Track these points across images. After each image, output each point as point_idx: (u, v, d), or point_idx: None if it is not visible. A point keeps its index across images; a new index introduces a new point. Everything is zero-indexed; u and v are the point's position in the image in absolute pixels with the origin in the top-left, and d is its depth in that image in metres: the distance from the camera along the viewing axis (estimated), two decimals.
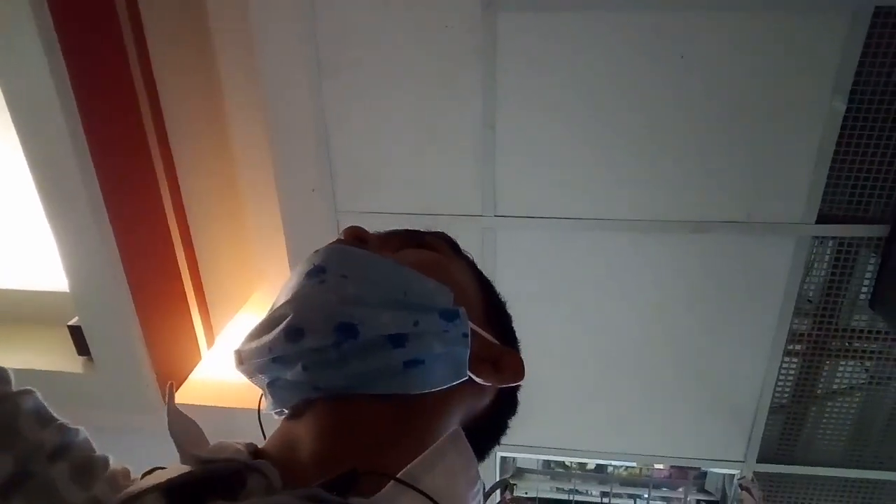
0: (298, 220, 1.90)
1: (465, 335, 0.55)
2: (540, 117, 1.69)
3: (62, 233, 1.62)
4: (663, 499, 2.70)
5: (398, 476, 0.44)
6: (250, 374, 0.56)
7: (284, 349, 0.52)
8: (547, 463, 2.70)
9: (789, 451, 2.17)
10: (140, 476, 0.51)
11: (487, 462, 2.22)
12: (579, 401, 2.06)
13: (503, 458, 2.32)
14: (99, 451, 0.53)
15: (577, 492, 2.64)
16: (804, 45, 1.55)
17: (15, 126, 1.51)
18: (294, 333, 0.51)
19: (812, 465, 2.15)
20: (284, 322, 0.52)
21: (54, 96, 1.44)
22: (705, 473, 2.43)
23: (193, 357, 2.09)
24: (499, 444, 0.68)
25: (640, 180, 1.74)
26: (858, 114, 1.62)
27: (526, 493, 2.49)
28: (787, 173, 1.68)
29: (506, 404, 0.66)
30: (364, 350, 0.51)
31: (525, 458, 2.54)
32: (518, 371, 0.60)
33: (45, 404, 0.51)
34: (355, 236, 0.62)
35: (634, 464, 2.57)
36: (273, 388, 0.55)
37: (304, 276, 0.56)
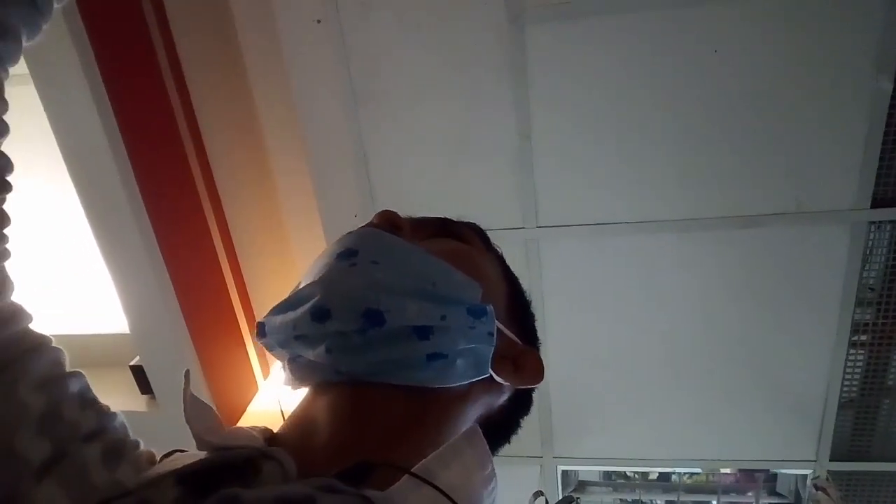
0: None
1: (491, 333, 0.54)
2: (575, 124, 1.69)
3: (119, 276, 1.67)
4: None
5: (413, 470, 0.44)
6: (271, 347, 0.56)
7: (309, 328, 0.51)
8: (608, 474, 2.65)
9: (864, 448, 2.08)
10: (159, 459, 0.52)
11: (549, 477, 2.19)
12: (637, 408, 2.02)
13: (564, 472, 2.28)
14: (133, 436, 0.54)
15: (642, 502, 2.57)
16: (842, 23, 1.51)
17: (70, 176, 1.58)
18: (320, 314, 0.51)
19: (890, 461, 2.06)
20: (311, 302, 0.52)
21: (106, 147, 1.50)
22: (775, 476, 2.35)
23: (251, 387, 2.12)
24: (509, 442, 0.66)
25: (682, 179, 1.71)
26: None
27: None
28: (835, 159, 1.63)
29: (521, 404, 0.65)
30: (389, 339, 0.51)
31: (587, 471, 2.50)
32: (537, 372, 0.59)
33: (89, 385, 0.52)
34: (389, 221, 0.61)
35: (699, 469, 2.51)
36: (294, 364, 0.55)
37: (334, 257, 0.55)
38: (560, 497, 2.19)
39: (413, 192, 1.83)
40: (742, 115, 1.62)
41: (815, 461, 2.02)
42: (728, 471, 2.55)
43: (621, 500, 2.76)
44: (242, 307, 2.07)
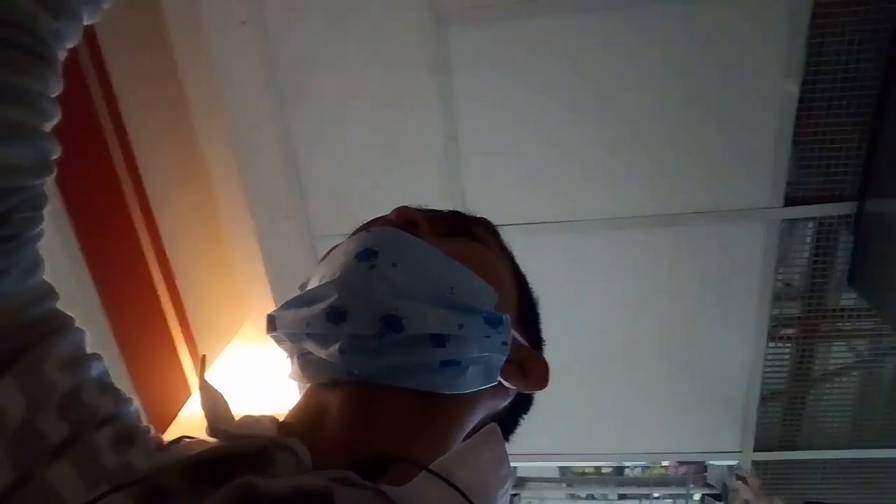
0: (276, 248, 1.92)
1: (506, 343, 0.54)
2: (502, 124, 1.71)
3: None
4: (671, 496, 2.68)
5: (431, 467, 0.44)
6: (280, 341, 0.56)
7: (323, 328, 0.51)
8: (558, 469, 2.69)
9: (792, 438, 2.15)
10: (167, 444, 0.51)
11: None
12: (577, 405, 2.05)
13: None
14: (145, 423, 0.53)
15: (577, 497, 2.62)
16: (752, 30, 1.57)
17: None
18: (336, 315, 0.51)
19: (817, 450, 2.13)
20: (327, 301, 0.51)
21: None
22: (706, 467, 2.41)
23: (182, 394, 2.09)
24: (507, 441, 0.68)
25: (609, 178, 1.75)
26: (814, 94, 1.64)
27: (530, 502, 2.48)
28: (749, 159, 1.69)
29: (522, 405, 0.65)
30: (405, 345, 0.50)
31: (526, 467, 2.53)
32: (543, 377, 0.59)
33: (107, 369, 0.51)
34: (407, 219, 0.61)
35: (643, 463, 2.56)
36: (303, 360, 0.54)
37: (353, 256, 0.54)
38: None
39: (344, 192, 1.83)
40: (662, 115, 1.67)
41: (739, 452, 2.08)
42: (667, 463, 2.61)
43: (571, 495, 2.81)
44: (174, 310, 2.03)
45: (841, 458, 2.15)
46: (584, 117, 1.68)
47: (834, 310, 1.97)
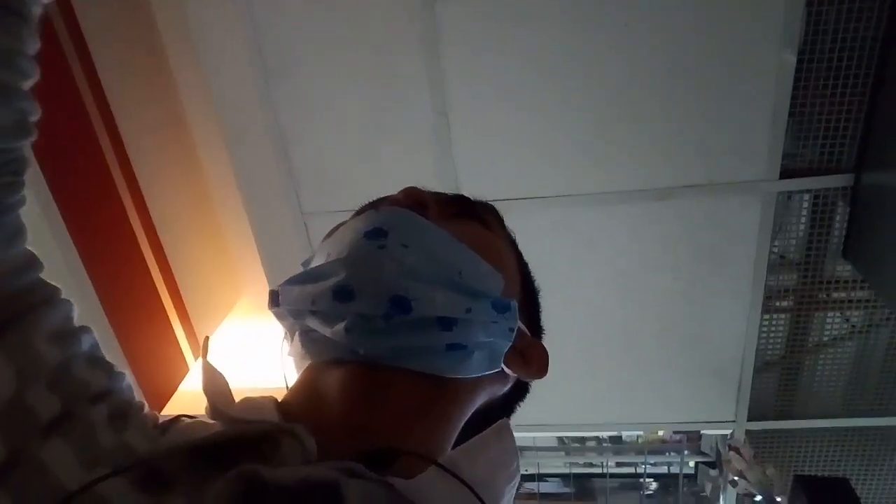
0: (267, 226, 1.91)
1: (512, 329, 0.54)
2: (492, 100, 1.68)
3: None
4: (666, 463, 2.71)
5: (440, 461, 0.43)
6: (281, 317, 0.56)
7: (329, 306, 0.50)
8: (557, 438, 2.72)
9: (787, 407, 2.16)
10: (165, 422, 0.50)
11: None
12: (573, 377, 2.06)
13: None
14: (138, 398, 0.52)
15: (576, 464, 2.66)
16: None
17: None
18: (344, 293, 0.50)
19: (810, 419, 2.15)
20: (335, 279, 0.51)
21: None
22: (700, 436, 2.44)
23: (180, 370, 2.11)
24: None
25: (601, 152, 1.72)
26: (811, 64, 1.60)
27: (526, 470, 2.51)
28: (744, 131, 1.66)
29: (520, 391, 0.65)
30: (412, 326, 0.50)
31: (524, 437, 2.56)
32: (543, 366, 0.59)
33: (97, 342, 0.51)
34: (415, 199, 0.59)
35: (639, 432, 2.59)
36: (306, 337, 0.54)
37: (363, 234, 0.53)
38: None
39: (332, 168, 1.81)
40: (654, 88, 1.63)
41: (733, 422, 2.10)
42: (662, 432, 2.64)
43: (570, 462, 2.85)
44: (168, 290, 2.04)
45: (834, 427, 2.17)
46: (575, 91, 1.65)
47: (829, 281, 1.96)
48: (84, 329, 0.49)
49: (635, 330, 1.99)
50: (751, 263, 1.82)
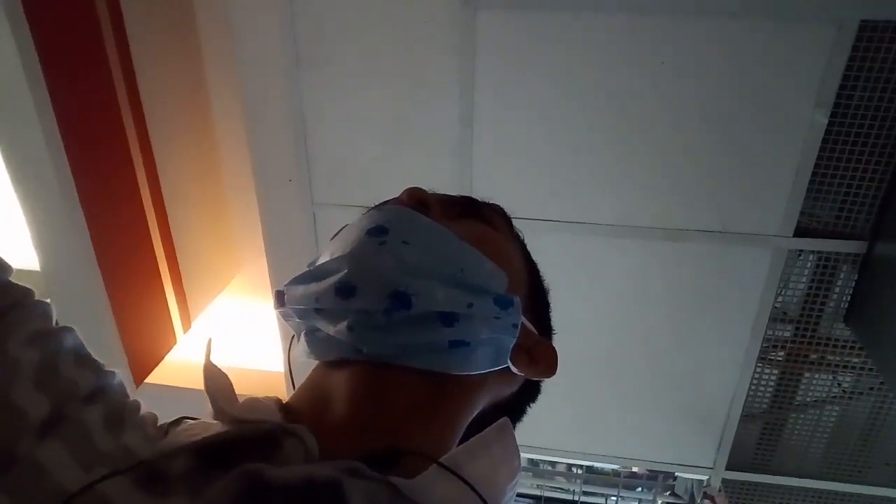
0: (275, 209, 1.90)
1: (516, 325, 0.54)
2: (518, 117, 1.67)
3: (32, 211, 1.61)
4: (635, 499, 2.71)
5: (441, 461, 0.43)
6: (287, 317, 0.56)
7: (332, 303, 0.50)
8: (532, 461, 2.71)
9: (765, 460, 2.16)
10: (166, 425, 0.50)
11: None
12: (556, 402, 2.04)
13: None
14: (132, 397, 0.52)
15: (549, 488, 2.65)
16: (788, 54, 1.52)
17: None
18: (346, 290, 0.50)
19: (786, 476, 2.15)
20: (337, 276, 0.51)
21: (21, 73, 1.43)
22: (675, 477, 2.43)
23: (168, 340, 2.09)
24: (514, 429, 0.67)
25: (618, 185, 1.72)
26: (841, 128, 1.60)
27: None
28: (765, 185, 1.66)
29: (529, 393, 0.64)
30: (414, 323, 0.50)
31: None
32: (551, 365, 0.59)
33: (82, 342, 0.50)
34: (418, 199, 0.59)
35: (615, 466, 2.58)
36: (311, 337, 0.54)
37: (364, 232, 0.53)
38: None
39: (349, 163, 1.80)
40: (682, 129, 1.63)
41: (711, 468, 2.10)
42: (635, 469, 2.63)
43: (537, 485, 2.85)
44: (167, 259, 2.02)
45: (810, 488, 2.17)
46: (601, 119, 1.65)
47: (823, 343, 1.96)
48: (65, 329, 0.49)
49: (626, 364, 1.99)
50: (752, 315, 1.82)
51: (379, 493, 0.40)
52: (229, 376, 0.53)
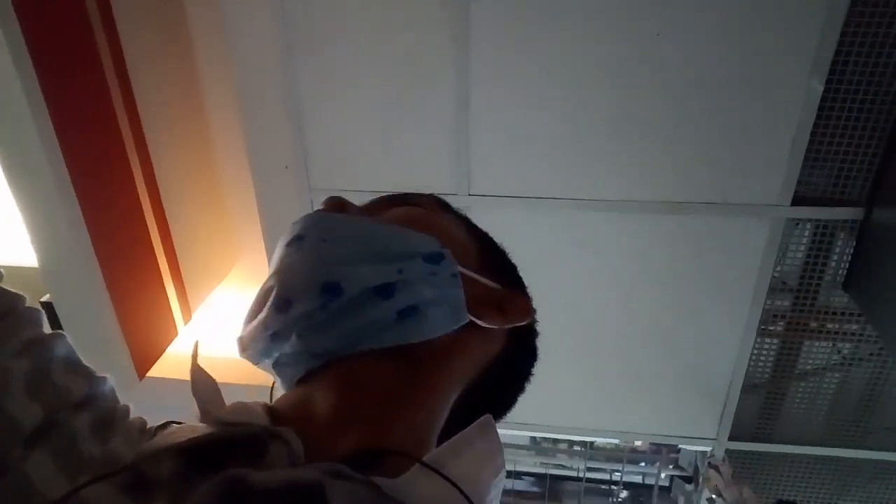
0: (272, 196, 1.89)
1: (455, 275, 0.54)
2: (515, 96, 1.67)
3: (28, 207, 1.60)
4: (640, 473, 2.74)
5: (424, 459, 0.43)
6: (256, 360, 0.56)
7: (277, 322, 0.51)
8: (533, 439, 2.73)
9: (767, 430, 2.19)
10: (154, 429, 0.51)
11: None
12: (557, 379, 2.06)
13: None
14: (122, 402, 0.52)
15: (553, 465, 2.67)
16: (783, 23, 1.52)
17: None
18: (283, 304, 0.51)
19: (789, 444, 2.17)
20: (273, 296, 0.52)
21: (11, 68, 1.41)
22: (679, 450, 2.46)
23: (169, 333, 2.08)
24: (524, 392, 0.65)
25: (616, 160, 1.72)
26: (837, 94, 1.60)
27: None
28: (763, 155, 1.66)
29: (521, 350, 0.63)
30: (353, 306, 0.50)
31: (504, 434, 2.57)
32: (525, 309, 0.59)
33: (73, 348, 0.50)
34: (334, 205, 0.61)
35: (617, 441, 2.60)
36: (278, 367, 0.54)
37: (284, 246, 0.55)
38: None
39: (346, 147, 1.79)
40: (678, 102, 1.63)
41: (714, 440, 2.12)
42: (639, 442, 2.66)
43: (542, 462, 2.87)
44: (164, 251, 2.01)
45: (811, 455, 2.20)
46: (598, 96, 1.64)
47: (822, 311, 1.97)
48: (57, 336, 0.49)
49: (627, 339, 2.00)
50: (751, 286, 1.83)
51: (362, 494, 0.40)
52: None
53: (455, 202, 1.93)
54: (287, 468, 0.42)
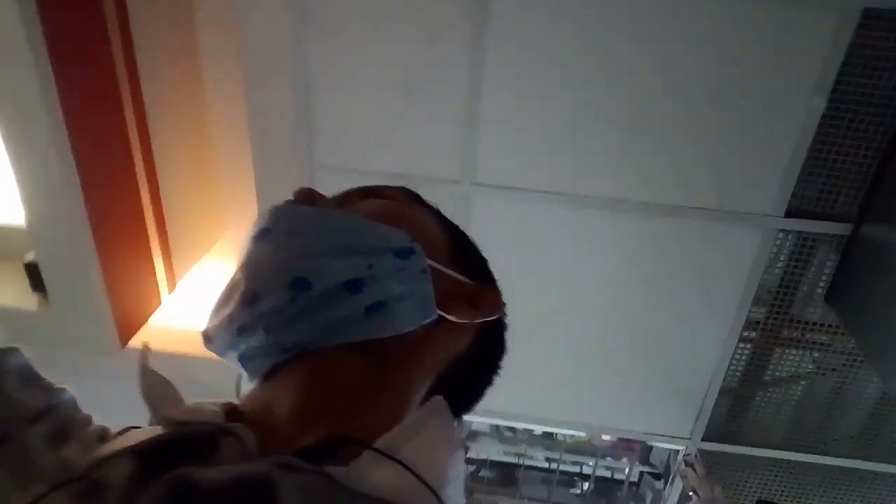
0: (271, 170, 1.86)
1: (424, 270, 0.54)
2: (525, 89, 1.67)
3: (21, 164, 1.54)
4: (608, 468, 2.79)
5: (376, 445, 0.43)
6: (221, 353, 0.55)
7: (244, 316, 0.51)
8: (496, 427, 2.76)
9: (734, 432, 2.25)
10: (114, 435, 0.50)
11: None
12: (535, 368, 2.09)
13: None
14: (83, 412, 0.52)
15: (526, 456, 2.70)
16: (791, 38, 1.55)
17: None
18: (250, 298, 0.51)
19: (754, 447, 2.24)
20: (239, 289, 0.52)
21: (18, 22, 1.35)
22: (651, 448, 2.52)
23: (153, 301, 2.04)
24: (492, 385, 0.66)
25: (619, 160, 1.74)
26: (837, 112, 1.65)
27: (477, 456, 2.55)
28: (761, 165, 1.70)
29: (491, 343, 0.64)
30: (321, 301, 0.50)
31: (479, 422, 2.59)
32: (494, 304, 0.59)
33: (30, 362, 0.50)
34: (304, 196, 0.60)
35: (584, 433, 2.65)
36: (244, 360, 0.54)
37: (251, 241, 0.55)
38: None
39: (354, 127, 1.78)
40: (682, 108, 1.66)
41: (689, 439, 2.18)
42: (608, 437, 2.71)
43: (506, 451, 2.90)
44: (155, 218, 1.96)
45: (776, 458, 2.27)
46: (607, 96, 1.66)
47: (797, 320, 2.03)
48: (10, 350, 0.49)
49: (612, 335, 2.03)
50: (739, 293, 1.88)
51: (314, 485, 0.40)
52: (190, 406, 0.53)
53: (458, 188, 1.94)
54: (237, 464, 0.42)
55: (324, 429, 0.46)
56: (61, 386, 0.51)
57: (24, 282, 1.82)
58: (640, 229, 1.83)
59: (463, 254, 0.64)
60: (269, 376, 0.53)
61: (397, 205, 0.62)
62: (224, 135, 2.18)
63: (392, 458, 0.42)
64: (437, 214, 0.67)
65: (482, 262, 0.66)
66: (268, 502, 0.37)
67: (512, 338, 2.09)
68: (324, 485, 0.40)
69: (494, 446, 2.76)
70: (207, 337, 0.55)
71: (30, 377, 0.49)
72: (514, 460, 2.77)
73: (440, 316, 0.55)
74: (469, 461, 2.35)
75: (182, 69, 2.02)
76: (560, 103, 1.68)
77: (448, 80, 1.67)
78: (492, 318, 0.59)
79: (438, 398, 0.48)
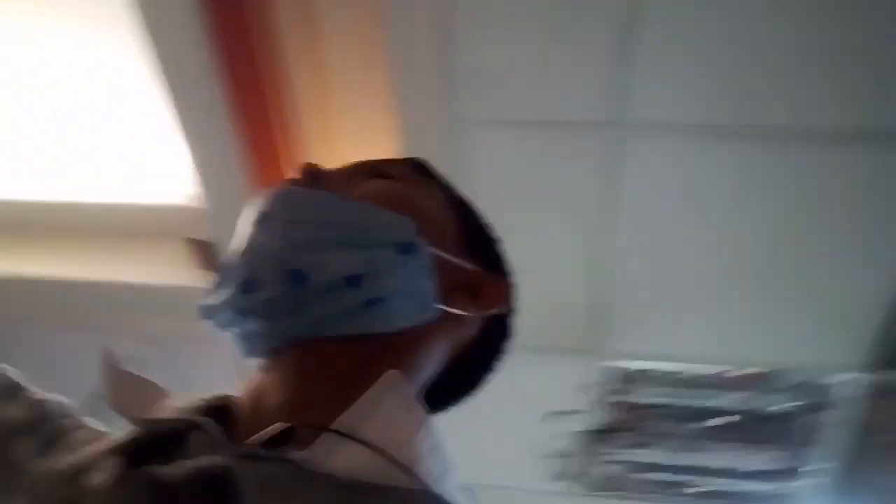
0: (413, 128, 1.83)
1: (426, 267, 0.54)
2: (685, 25, 1.55)
3: (196, 144, 1.59)
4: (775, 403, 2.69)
5: (332, 426, 0.44)
6: (221, 327, 0.57)
7: (243, 302, 0.52)
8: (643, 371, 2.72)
9: None
10: (97, 437, 0.53)
11: (599, 370, 2.22)
12: (699, 310, 2.03)
13: (613, 368, 2.33)
14: (72, 412, 0.56)
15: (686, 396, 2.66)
16: None
17: (146, 31, 1.45)
18: (247, 286, 0.52)
19: None
20: (238, 276, 0.53)
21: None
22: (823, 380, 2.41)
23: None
24: (492, 370, 0.65)
25: (780, 85, 1.61)
26: None
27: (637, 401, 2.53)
28: None
29: (498, 331, 0.64)
30: (319, 294, 0.51)
31: (639, 365, 2.55)
32: (503, 297, 0.59)
33: (12, 376, 0.53)
34: (308, 174, 0.60)
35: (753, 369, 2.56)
36: (240, 339, 0.56)
37: (251, 224, 0.55)
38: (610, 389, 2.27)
39: (498, 75, 1.71)
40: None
41: (859, 370, 2.06)
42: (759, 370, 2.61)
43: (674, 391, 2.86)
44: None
45: None
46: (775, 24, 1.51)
47: None
48: None
49: (779, 272, 1.93)
50: None
51: (276, 471, 0.40)
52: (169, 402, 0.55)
53: (609, 132, 1.82)
54: (199, 458, 0.42)
55: (315, 418, 0.46)
56: (46, 397, 0.54)
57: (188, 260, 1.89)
58: (811, 162, 1.70)
59: (472, 237, 0.62)
60: (264, 363, 0.55)
61: (404, 187, 0.61)
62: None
63: (352, 438, 0.43)
64: (446, 191, 0.65)
65: (493, 246, 0.65)
66: (227, 493, 0.38)
67: (677, 278, 2.02)
68: (285, 471, 0.40)
69: (654, 388, 2.73)
70: (206, 313, 0.56)
71: (12, 392, 0.51)
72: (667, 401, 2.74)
73: (443, 309, 0.55)
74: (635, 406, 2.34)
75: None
76: (724, 35, 1.56)
77: (598, 19, 1.58)
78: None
79: (392, 372, 0.48)
